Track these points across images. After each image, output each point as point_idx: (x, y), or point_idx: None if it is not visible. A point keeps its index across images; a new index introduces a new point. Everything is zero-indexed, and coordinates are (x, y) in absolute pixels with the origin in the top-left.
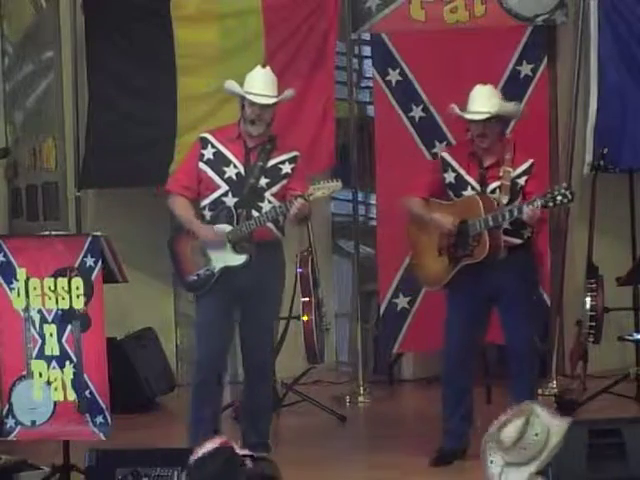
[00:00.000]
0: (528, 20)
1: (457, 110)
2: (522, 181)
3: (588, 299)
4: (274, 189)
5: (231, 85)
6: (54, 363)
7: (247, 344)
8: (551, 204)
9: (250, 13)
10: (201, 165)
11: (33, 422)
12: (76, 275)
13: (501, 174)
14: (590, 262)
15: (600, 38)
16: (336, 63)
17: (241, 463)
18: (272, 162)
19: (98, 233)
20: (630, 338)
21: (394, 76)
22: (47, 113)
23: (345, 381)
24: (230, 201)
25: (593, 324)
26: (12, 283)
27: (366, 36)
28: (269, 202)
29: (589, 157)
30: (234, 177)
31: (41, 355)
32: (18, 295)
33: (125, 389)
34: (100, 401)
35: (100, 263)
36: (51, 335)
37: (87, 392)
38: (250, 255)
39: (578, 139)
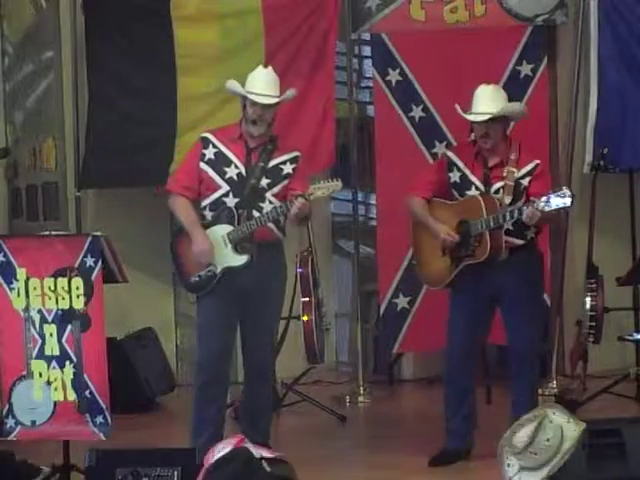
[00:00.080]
0: (528, 20)
1: (460, 111)
2: (526, 182)
3: (588, 299)
4: (275, 189)
5: (233, 85)
6: (54, 363)
7: (247, 344)
8: (547, 208)
9: (250, 13)
10: (202, 165)
11: (33, 422)
12: (76, 275)
13: (505, 174)
14: (590, 262)
15: (600, 38)
16: (336, 63)
17: (259, 465)
18: (273, 162)
19: (98, 233)
20: (630, 338)
21: (394, 76)
22: (47, 113)
23: (345, 381)
24: (231, 201)
25: (593, 324)
26: (12, 283)
27: (366, 36)
28: (270, 202)
29: (589, 157)
30: (235, 177)
31: (41, 355)
32: (18, 295)
33: (125, 389)
34: (100, 401)
35: (100, 263)
36: (51, 335)
37: (87, 392)
38: (251, 255)
39: (578, 139)
